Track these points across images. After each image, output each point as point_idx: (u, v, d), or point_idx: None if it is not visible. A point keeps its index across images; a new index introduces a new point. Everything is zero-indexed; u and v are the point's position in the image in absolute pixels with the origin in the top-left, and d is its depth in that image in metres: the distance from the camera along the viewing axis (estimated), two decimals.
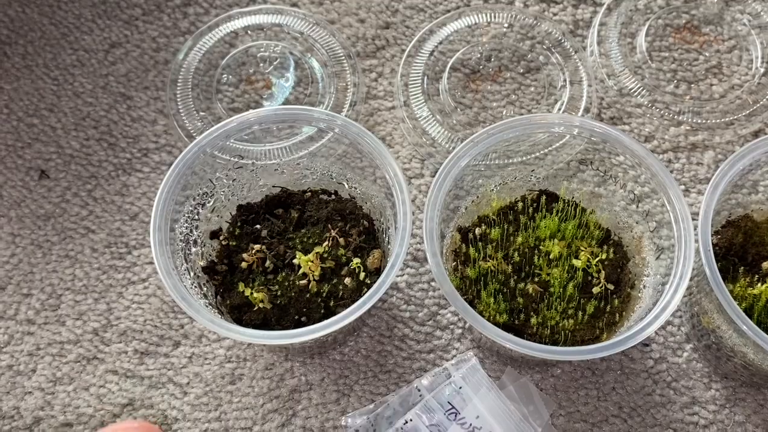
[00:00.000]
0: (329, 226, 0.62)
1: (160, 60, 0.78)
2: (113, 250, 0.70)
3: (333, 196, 0.65)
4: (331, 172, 0.65)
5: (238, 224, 0.64)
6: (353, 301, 0.54)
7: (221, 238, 0.63)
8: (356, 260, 0.60)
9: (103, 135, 0.74)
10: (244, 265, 0.61)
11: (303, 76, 0.76)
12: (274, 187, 0.66)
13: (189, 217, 0.60)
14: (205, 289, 0.60)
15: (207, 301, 0.59)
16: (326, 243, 0.61)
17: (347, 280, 0.59)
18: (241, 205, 0.65)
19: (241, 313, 0.60)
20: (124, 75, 0.77)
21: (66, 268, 0.69)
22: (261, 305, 0.59)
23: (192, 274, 0.59)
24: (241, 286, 0.60)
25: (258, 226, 0.64)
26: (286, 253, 0.62)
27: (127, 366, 0.66)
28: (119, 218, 0.71)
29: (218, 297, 0.62)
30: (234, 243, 0.63)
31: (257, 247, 0.62)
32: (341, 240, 0.61)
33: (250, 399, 0.64)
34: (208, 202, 0.62)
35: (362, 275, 0.60)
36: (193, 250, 0.61)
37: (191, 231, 0.61)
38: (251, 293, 0.59)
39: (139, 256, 0.70)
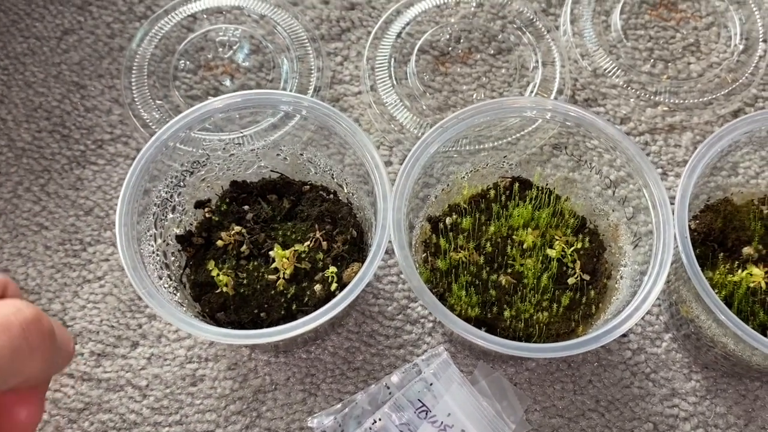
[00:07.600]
0: (317, 226, 0.59)
1: (114, 47, 0.74)
2: (67, 247, 0.66)
3: (331, 196, 0.62)
4: (333, 171, 0.61)
5: (227, 200, 0.61)
6: (316, 309, 0.50)
7: (206, 210, 0.61)
8: (332, 269, 0.57)
9: (55, 126, 0.71)
10: (220, 243, 0.59)
11: (265, 60, 0.72)
12: (272, 171, 0.63)
13: (171, 182, 0.57)
14: (172, 258, 0.58)
15: (169, 272, 0.56)
16: (308, 243, 0.58)
17: (317, 287, 0.56)
18: (235, 181, 0.62)
19: (202, 292, 0.58)
20: (77, 63, 0.73)
21: (18, 267, 0.66)
22: (225, 289, 0.57)
23: (160, 240, 0.56)
24: (210, 264, 0.57)
25: (246, 207, 0.61)
26: (265, 243, 0.59)
27: (84, 369, 0.63)
28: (73, 213, 0.67)
29: (186, 269, 0.59)
30: (217, 218, 0.60)
31: (238, 228, 0.59)
32: (324, 244, 0.58)
33: (213, 401, 0.61)
34: (199, 171, 0.59)
35: (334, 286, 0.56)
36: (170, 216, 0.58)
37: (171, 196, 0.58)
38: (218, 274, 0.56)
39: (95, 253, 0.66)
